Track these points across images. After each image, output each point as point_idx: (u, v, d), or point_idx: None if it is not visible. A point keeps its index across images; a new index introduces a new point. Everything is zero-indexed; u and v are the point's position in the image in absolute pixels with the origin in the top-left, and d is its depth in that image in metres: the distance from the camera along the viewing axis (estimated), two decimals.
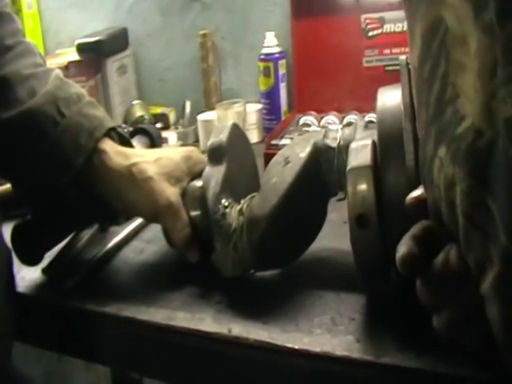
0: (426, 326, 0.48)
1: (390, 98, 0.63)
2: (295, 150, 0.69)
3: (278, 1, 1.46)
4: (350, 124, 1.16)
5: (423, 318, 0.48)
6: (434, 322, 0.47)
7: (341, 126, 1.17)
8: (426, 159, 0.44)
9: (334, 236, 0.74)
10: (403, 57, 0.63)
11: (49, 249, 0.78)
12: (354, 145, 0.63)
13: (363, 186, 0.57)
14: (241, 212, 0.67)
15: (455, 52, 0.39)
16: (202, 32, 1.52)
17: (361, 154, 0.61)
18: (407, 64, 0.61)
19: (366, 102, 1.25)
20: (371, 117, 1.17)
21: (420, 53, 0.43)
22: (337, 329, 0.60)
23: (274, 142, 1.12)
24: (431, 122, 0.42)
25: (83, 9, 1.72)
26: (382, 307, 0.63)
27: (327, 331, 0.60)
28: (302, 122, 1.25)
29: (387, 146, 0.59)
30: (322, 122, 1.23)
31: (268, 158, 1.03)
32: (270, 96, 1.37)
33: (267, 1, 1.48)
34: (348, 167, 0.60)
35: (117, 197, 0.73)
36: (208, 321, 0.64)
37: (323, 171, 0.68)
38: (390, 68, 1.28)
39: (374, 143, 0.63)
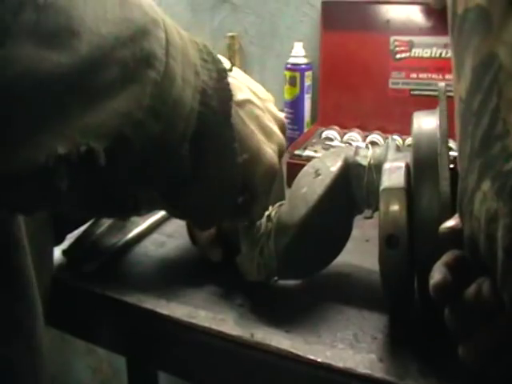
0: (449, 352, 0.49)
1: (426, 122, 0.64)
2: (326, 163, 0.70)
3: (309, 12, 1.47)
4: (373, 143, 1.17)
5: (446, 344, 0.50)
6: (459, 350, 0.47)
7: (363, 143, 1.18)
8: (466, 190, 0.44)
9: (356, 252, 0.76)
10: (442, 84, 0.64)
11: (70, 230, 0.79)
12: (387, 165, 0.65)
13: (395, 207, 0.59)
14: (269, 218, 0.69)
15: (508, 89, 0.39)
16: (230, 34, 1.53)
17: (394, 175, 0.62)
18: (446, 92, 0.63)
19: (390, 123, 1.27)
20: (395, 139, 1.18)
21: (469, 85, 0.44)
22: (359, 346, 0.61)
23: (297, 152, 1.13)
24: (476, 155, 0.42)
25: None
26: (405, 329, 0.63)
27: (349, 347, 0.61)
28: (324, 135, 1.26)
29: (422, 169, 0.60)
30: (345, 137, 1.24)
31: (290, 167, 1.04)
32: (294, 106, 1.38)
33: (298, 10, 1.49)
34: (381, 187, 0.61)
35: None
36: (230, 323, 0.65)
37: (352, 187, 0.69)
38: (416, 92, 1.29)
39: (407, 166, 0.64)
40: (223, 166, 0.59)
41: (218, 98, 0.56)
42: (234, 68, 0.63)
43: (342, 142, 1.23)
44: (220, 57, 0.62)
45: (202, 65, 0.56)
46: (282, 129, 0.69)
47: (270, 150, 0.64)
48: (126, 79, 0.47)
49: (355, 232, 0.72)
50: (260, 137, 0.63)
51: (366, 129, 1.29)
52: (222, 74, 0.57)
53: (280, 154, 0.67)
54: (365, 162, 0.69)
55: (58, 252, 0.78)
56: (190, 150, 0.55)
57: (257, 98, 0.65)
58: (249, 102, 0.63)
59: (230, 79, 0.59)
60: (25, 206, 0.50)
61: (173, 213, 0.65)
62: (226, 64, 0.61)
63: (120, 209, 0.58)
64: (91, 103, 0.46)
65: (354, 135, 1.24)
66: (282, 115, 0.70)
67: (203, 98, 0.55)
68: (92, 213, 0.66)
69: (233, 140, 0.58)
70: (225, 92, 0.57)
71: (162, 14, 0.54)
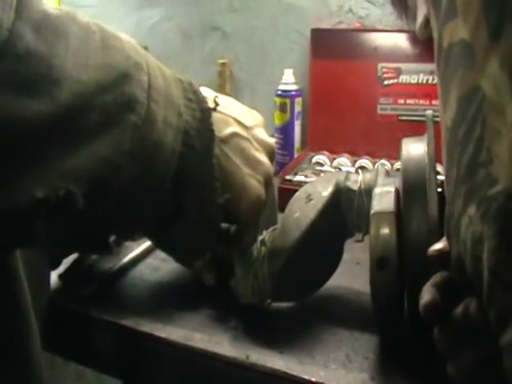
0: (439, 370, 0.50)
1: (414, 149, 0.66)
2: (318, 188, 0.72)
3: (299, 39, 1.49)
4: (362, 168, 1.19)
5: (436, 363, 0.51)
6: (448, 368, 0.49)
7: (353, 168, 1.20)
8: (453, 214, 0.46)
9: (347, 275, 0.77)
10: (430, 111, 0.66)
11: (66, 255, 0.80)
12: (378, 190, 0.67)
13: (386, 230, 0.61)
14: (263, 242, 0.70)
15: (492, 119, 0.41)
16: (221, 61, 1.55)
17: (384, 199, 0.64)
18: (433, 118, 0.65)
19: (378, 148, 1.29)
20: (385, 164, 1.21)
21: (455, 115, 0.45)
22: (351, 366, 0.62)
23: (287, 177, 1.15)
24: (462, 181, 0.44)
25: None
26: (395, 349, 0.65)
27: (342, 367, 0.62)
28: (315, 160, 1.28)
29: (411, 194, 0.62)
30: (335, 162, 1.26)
31: (281, 191, 1.06)
32: (285, 131, 1.39)
33: (288, 38, 1.52)
34: (372, 211, 0.63)
35: None
36: (225, 345, 0.66)
37: (343, 212, 0.71)
38: (404, 118, 1.31)
39: (396, 190, 0.66)
40: (204, 207, 0.60)
41: (201, 138, 0.57)
42: (220, 97, 0.64)
43: (331, 167, 1.25)
44: (205, 91, 0.63)
45: (186, 104, 0.57)
46: (271, 154, 0.70)
47: (255, 183, 0.65)
48: (106, 123, 0.48)
49: (346, 255, 0.73)
50: (245, 170, 0.64)
51: (355, 154, 1.31)
52: (206, 113, 0.58)
53: (267, 183, 0.68)
54: (355, 187, 0.71)
55: (54, 276, 0.78)
56: (171, 190, 0.56)
57: (243, 128, 0.66)
58: (234, 135, 0.64)
59: (214, 115, 0.60)
60: (3, 245, 0.51)
61: (156, 247, 0.66)
62: (211, 101, 0.62)
63: (102, 247, 0.59)
64: (71, 148, 0.46)
65: (344, 160, 1.26)
66: (271, 140, 0.71)
67: (185, 139, 0.56)
68: (74, 251, 0.67)
69: (214, 179, 0.59)
70: (208, 132, 0.58)
71: (146, 56, 0.55)
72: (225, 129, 0.63)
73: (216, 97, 0.63)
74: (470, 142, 0.43)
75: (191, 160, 0.57)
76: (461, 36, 0.45)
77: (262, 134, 0.70)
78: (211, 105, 0.61)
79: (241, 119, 0.66)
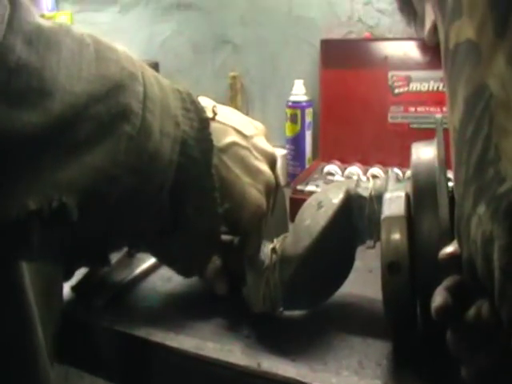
0: (452, 375, 0.50)
1: (424, 153, 0.66)
2: (328, 195, 0.72)
3: (308, 50, 1.50)
4: (374, 177, 1.19)
5: (449, 367, 0.51)
6: (462, 372, 0.48)
7: (364, 177, 1.20)
8: (463, 215, 0.45)
9: (359, 283, 0.77)
10: (439, 115, 0.66)
11: (79, 266, 0.81)
12: (388, 195, 0.66)
13: (397, 235, 0.60)
14: (274, 250, 0.70)
15: (499, 117, 0.41)
16: (232, 74, 1.56)
17: (395, 204, 0.64)
18: (442, 123, 0.64)
19: (390, 156, 1.29)
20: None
21: (462, 115, 0.45)
22: (364, 372, 0.62)
23: (299, 187, 1.15)
24: (471, 181, 0.44)
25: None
26: (408, 354, 0.64)
27: (355, 374, 0.61)
28: (326, 170, 1.28)
29: (421, 198, 0.62)
30: (346, 172, 1.26)
31: (293, 202, 1.06)
32: (296, 142, 1.40)
33: (298, 49, 1.52)
34: (382, 216, 0.63)
35: None
36: (237, 353, 0.66)
37: (354, 218, 0.71)
38: (415, 126, 1.31)
39: (407, 195, 0.66)
40: (204, 217, 0.60)
41: (199, 148, 0.57)
42: (219, 106, 0.64)
43: (343, 176, 1.25)
44: (204, 101, 0.63)
45: (184, 114, 0.57)
46: (272, 163, 0.70)
47: (255, 192, 0.65)
48: (99, 134, 0.48)
49: (358, 263, 0.73)
50: (245, 179, 0.64)
51: (366, 163, 1.31)
52: (204, 123, 0.58)
53: (268, 192, 0.68)
54: (366, 194, 0.71)
55: (66, 287, 0.79)
56: (169, 201, 0.56)
57: (242, 137, 0.65)
58: (233, 144, 0.64)
59: (213, 124, 0.59)
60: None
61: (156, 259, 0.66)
62: (209, 110, 0.62)
63: (100, 260, 0.59)
64: (63, 159, 0.46)
65: (355, 169, 1.26)
66: (272, 149, 0.71)
67: (183, 149, 0.56)
68: (71, 264, 0.66)
69: (213, 190, 0.59)
70: (206, 142, 0.58)
71: (142, 67, 0.55)
72: (224, 138, 0.63)
73: (214, 106, 0.63)
74: (477, 141, 0.43)
75: (189, 170, 0.57)
76: (467, 35, 0.45)
77: (263, 143, 0.69)
78: (209, 114, 0.61)
79: (240, 128, 0.66)
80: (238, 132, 0.65)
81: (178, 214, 0.58)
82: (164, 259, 0.67)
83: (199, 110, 0.59)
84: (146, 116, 0.52)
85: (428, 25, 0.86)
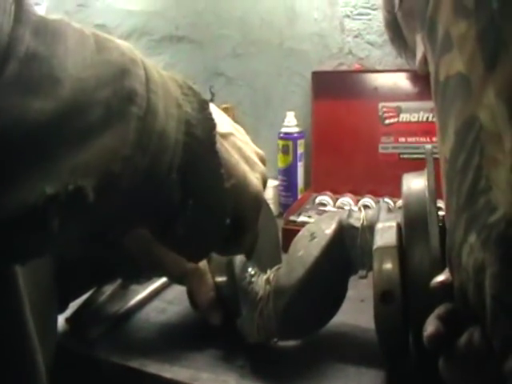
0: None
1: (415, 183, 0.67)
2: (321, 226, 0.72)
3: (300, 82, 1.51)
4: (365, 207, 1.20)
5: None
6: None
7: (356, 207, 1.20)
8: (454, 244, 0.46)
9: (351, 312, 0.77)
10: (429, 146, 0.67)
11: (73, 299, 0.81)
12: (379, 225, 0.67)
13: (389, 265, 0.61)
14: (268, 281, 0.70)
15: (489, 148, 0.42)
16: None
17: (386, 234, 0.65)
18: (432, 153, 0.65)
19: (381, 186, 1.30)
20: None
21: (453, 146, 0.46)
22: None
23: (291, 218, 1.16)
24: (462, 210, 0.45)
25: None
26: (402, 381, 0.65)
27: None
28: (318, 200, 1.29)
29: (412, 227, 0.63)
30: (338, 202, 1.27)
31: (286, 233, 1.06)
32: (288, 173, 1.40)
33: (289, 81, 1.54)
34: (374, 246, 0.63)
35: (145, 252, 0.73)
36: None
37: (346, 249, 0.71)
38: (405, 156, 1.32)
39: (398, 225, 0.66)
40: (212, 193, 0.60)
41: (203, 127, 0.58)
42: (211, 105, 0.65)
43: (335, 206, 1.26)
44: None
45: (183, 98, 0.58)
46: (263, 162, 0.71)
47: (254, 179, 0.66)
48: (109, 117, 0.49)
49: (350, 292, 0.74)
50: (244, 166, 0.65)
51: (357, 193, 1.32)
52: (204, 104, 0.59)
53: (264, 184, 0.68)
54: (358, 224, 0.71)
55: (61, 319, 0.78)
56: (177, 180, 0.57)
57: (237, 131, 0.67)
58: (231, 134, 0.65)
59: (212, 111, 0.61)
60: (19, 252, 0.51)
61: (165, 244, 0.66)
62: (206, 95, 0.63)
63: (112, 245, 0.60)
64: (77, 144, 0.47)
65: (347, 200, 1.27)
66: (260, 151, 0.73)
67: (188, 129, 0.57)
68: (87, 252, 0.66)
69: (219, 166, 0.60)
70: (208, 121, 0.59)
71: (140, 55, 0.57)
72: (222, 128, 0.64)
73: (211, 86, 0.65)
74: (469, 171, 0.44)
75: (195, 148, 0.57)
76: (457, 68, 0.46)
77: (253, 144, 0.71)
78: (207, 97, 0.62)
79: (234, 125, 0.67)
80: (233, 126, 0.66)
81: (186, 193, 0.58)
82: (173, 241, 0.67)
83: (197, 94, 0.60)
84: (151, 97, 0.53)
85: (419, 55, 0.87)
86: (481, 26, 0.45)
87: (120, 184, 0.51)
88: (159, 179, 0.55)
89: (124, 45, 0.55)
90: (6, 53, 0.44)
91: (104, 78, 0.50)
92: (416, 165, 1.23)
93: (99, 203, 0.50)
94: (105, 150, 0.49)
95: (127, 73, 0.52)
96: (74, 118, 0.48)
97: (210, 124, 0.60)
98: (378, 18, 1.36)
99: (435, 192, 0.62)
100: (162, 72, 0.60)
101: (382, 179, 1.32)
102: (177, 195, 0.58)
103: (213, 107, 0.66)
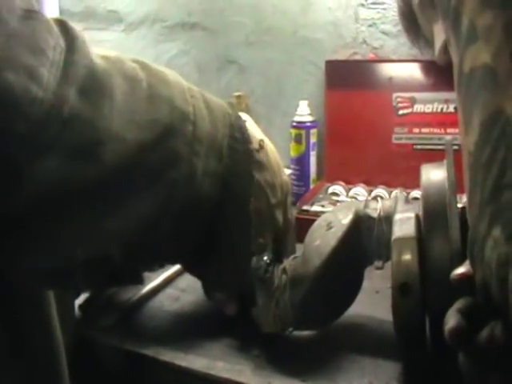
0: None
1: (434, 174, 0.66)
2: (338, 216, 0.72)
3: (313, 71, 1.50)
4: (379, 197, 1.19)
5: None
6: None
7: (369, 198, 1.20)
8: (477, 238, 0.46)
9: (367, 304, 0.77)
10: (449, 137, 0.67)
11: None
12: (398, 216, 0.67)
13: (408, 256, 0.60)
14: (284, 271, 0.70)
15: None
16: (237, 94, 1.56)
17: (405, 225, 0.64)
18: (452, 144, 0.65)
19: (394, 177, 1.29)
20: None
21: (478, 139, 0.46)
22: None
23: (304, 207, 1.15)
24: (486, 203, 0.44)
25: None
26: (419, 375, 0.64)
27: None
28: (330, 190, 1.29)
29: (432, 219, 0.62)
30: (351, 192, 1.27)
31: (299, 222, 1.05)
32: (300, 163, 1.40)
33: (303, 70, 1.53)
34: (393, 237, 0.63)
35: None
36: (247, 373, 0.65)
37: (363, 239, 0.71)
38: (419, 147, 1.31)
39: (417, 216, 0.66)
40: (237, 252, 0.62)
41: (239, 184, 0.58)
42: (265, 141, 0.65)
43: (347, 196, 1.26)
44: (250, 124, 0.64)
45: (230, 144, 0.58)
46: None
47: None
48: (148, 182, 0.49)
49: (365, 283, 0.73)
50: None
51: (370, 184, 1.31)
52: (249, 157, 0.59)
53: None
54: (375, 215, 0.71)
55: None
56: (205, 234, 0.57)
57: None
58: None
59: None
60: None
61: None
62: (256, 141, 0.63)
63: (135, 279, 0.61)
64: (113, 208, 0.47)
65: (360, 190, 1.27)
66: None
67: (224, 186, 0.57)
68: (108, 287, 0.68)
69: (249, 226, 0.60)
70: (245, 179, 0.59)
71: (194, 98, 0.56)
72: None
73: (261, 140, 0.65)
74: (494, 165, 0.43)
75: (228, 206, 0.58)
76: (483, 60, 0.45)
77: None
78: (255, 146, 0.62)
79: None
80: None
81: (212, 249, 0.59)
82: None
83: (246, 140, 0.60)
84: (192, 160, 0.53)
85: (438, 44, 0.87)
86: (508, 16, 0.44)
87: (147, 247, 0.52)
88: (188, 238, 0.57)
89: (178, 89, 0.55)
90: (48, 114, 0.43)
91: (149, 140, 0.49)
92: (430, 156, 1.24)
93: (124, 262, 0.50)
94: (137, 217, 0.49)
95: (173, 133, 0.52)
96: (114, 184, 0.47)
97: (248, 181, 0.60)
98: (393, 7, 1.35)
99: (455, 183, 0.61)
100: (216, 107, 0.59)
101: (395, 170, 1.31)
102: (203, 249, 0.60)
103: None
